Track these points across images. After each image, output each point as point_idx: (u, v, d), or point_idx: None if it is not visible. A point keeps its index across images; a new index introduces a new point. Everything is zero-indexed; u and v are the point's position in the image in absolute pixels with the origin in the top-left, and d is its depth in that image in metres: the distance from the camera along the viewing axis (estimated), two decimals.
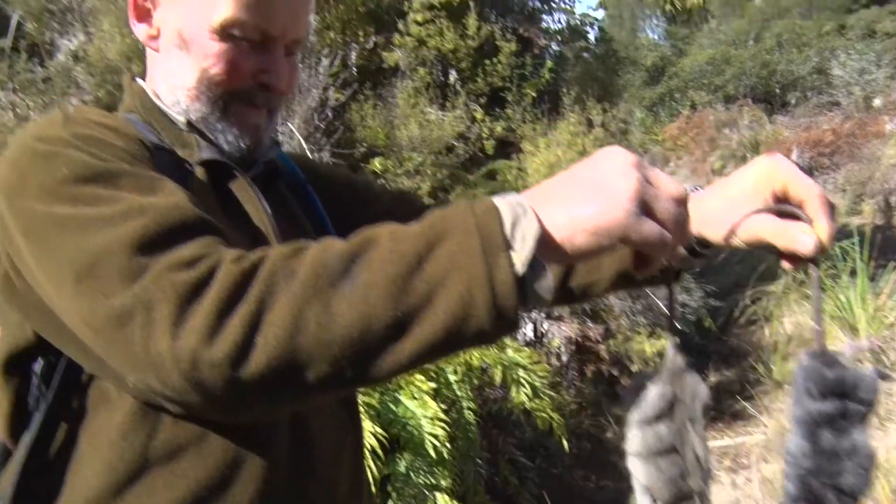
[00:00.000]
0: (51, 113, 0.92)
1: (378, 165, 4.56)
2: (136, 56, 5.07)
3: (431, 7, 5.50)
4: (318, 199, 1.15)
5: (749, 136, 13.75)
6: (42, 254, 0.76)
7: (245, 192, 0.99)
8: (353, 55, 5.54)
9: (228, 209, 0.96)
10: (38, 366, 0.88)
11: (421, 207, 1.21)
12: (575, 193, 0.68)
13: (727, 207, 0.84)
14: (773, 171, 0.81)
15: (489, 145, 5.29)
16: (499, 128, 5.42)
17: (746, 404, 5.26)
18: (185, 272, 0.68)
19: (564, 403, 4.40)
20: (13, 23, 5.67)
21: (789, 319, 5.98)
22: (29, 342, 0.87)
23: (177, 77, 0.98)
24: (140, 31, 1.01)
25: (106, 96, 5.22)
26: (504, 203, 0.67)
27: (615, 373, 5.34)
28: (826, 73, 16.27)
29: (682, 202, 0.70)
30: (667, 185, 0.70)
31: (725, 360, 6.03)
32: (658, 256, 0.71)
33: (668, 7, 26.24)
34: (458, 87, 5.54)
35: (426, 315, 0.64)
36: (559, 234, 0.66)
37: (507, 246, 0.64)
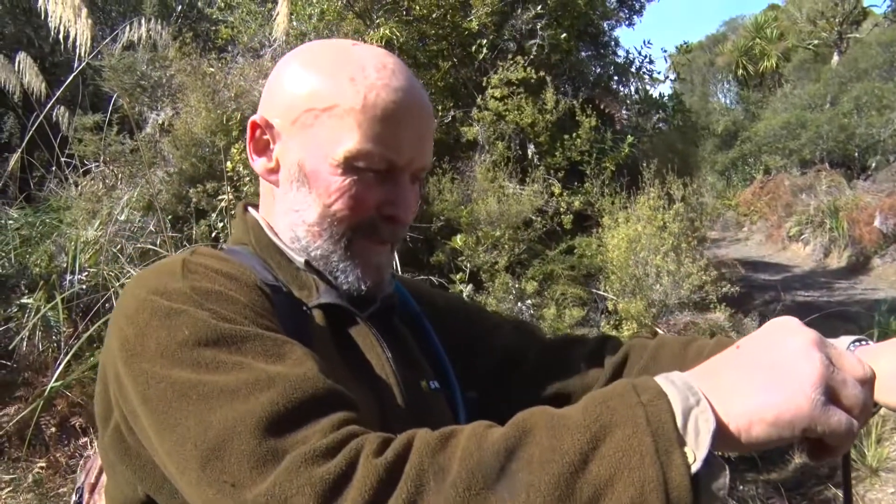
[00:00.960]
0: (167, 260, 0.88)
1: (459, 242, 4.52)
2: (221, 130, 5.22)
3: (510, 83, 5.51)
4: (432, 329, 1.10)
5: (828, 202, 13.39)
6: (162, 426, 0.71)
7: (366, 338, 0.95)
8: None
9: (348, 356, 0.92)
10: None
11: (542, 341, 1.17)
12: (752, 378, 0.63)
13: None
14: None
15: (567, 220, 5.22)
16: (577, 202, 5.35)
17: (838, 491, 4.94)
18: (323, 465, 0.62)
19: None
20: (113, 99, 5.93)
21: None
22: (139, 502, 0.83)
23: (298, 213, 0.95)
24: (258, 164, 0.98)
25: (190, 168, 5.38)
26: (672, 388, 0.62)
27: None
28: None
29: (867, 384, 0.65)
30: (852, 366, 0.65)
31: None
32: (844, 446, 0.65)
33: (740, 72, 26.07)
34: (536, 160, 5.51)
35: None
36: (735, 426, 0.61)
37: (681, 441, 0.59)
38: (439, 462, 0.62)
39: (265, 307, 0.83)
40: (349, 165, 0.90)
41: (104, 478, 0.99)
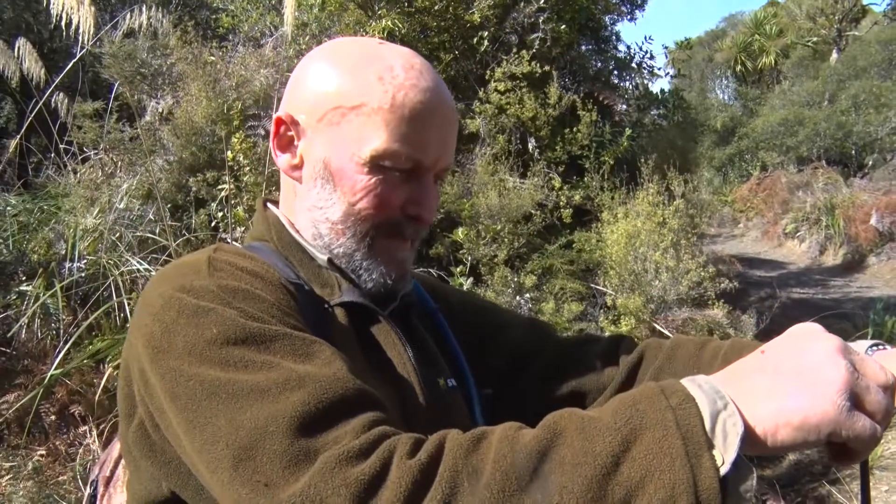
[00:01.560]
0: (191, 258, 0.88)
1: (461, 235, 4.52)
2: (222, 120, 5.20)
3: (513, 77, 5.50)
4: (447, 326, 1.11)
5: (824, 200, 13.41)
6: (192, 424, 0.71)
7: (388, 337, 0.95)
8: None
9: (370, 354, 0.92)
10: None
11: (556, 339, 1.18)
12: (779, 383, 0.64)
13: None
14: None
15: (567, 214, 5.22)
16: (577, 196, 5.35)
17: (832, 489, 4.96)
18: (357, 465, 0.63)
19: None
20: (115, 87, 5.91)
21: None
22: (164, 499, 0.83)
23: (321, 210, 0.95)
24: (282, 161, 0.98)
25: (190, 157, 5.36)
26: (699, 392, 0.64)
27: None
28: None
29: (889, 389, 0.66)
30: (874, 372, 0.66)
31: None
32: (867, 452, 0.66)
33: (738, 68, 26.07)
34: (536, 154, 5.51)
35: None
36: (761, 429, 0.62)
37: (710, 445, 0.60)
38: (472, 463, 0.63)
39: (291, 305, 0.84)
40: (375, 164, 0.90)
41: (119, 471, 1.00)
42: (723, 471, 0.60)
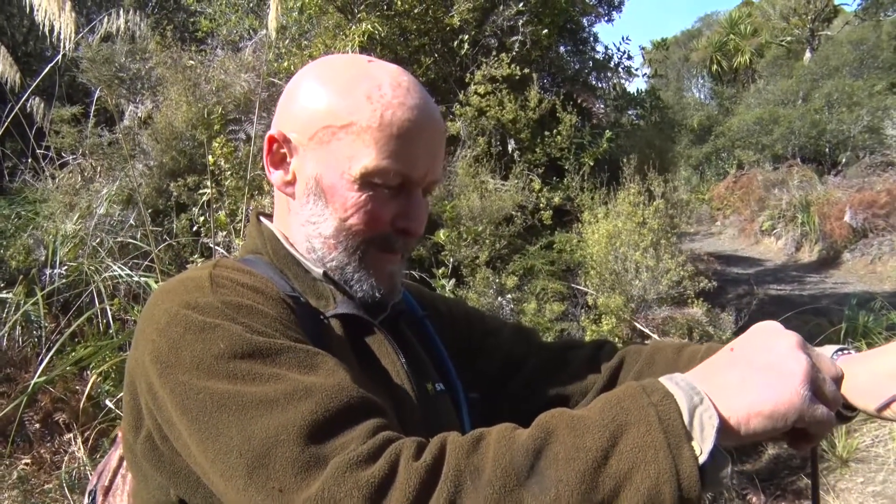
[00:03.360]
0: (192, 273, 0.91)
1: (442, 237, 4.54)
2: (202, 124, 5.18)
3: (493, 79, 5.54)
4: (434, 332, 1.14)
5: (799, 197, 13.58)
6: (204, 436, 0.74)
7: (381, 346, 0.98)
8: None
9: (366, 363, 0.95)
10: None
11: (541, 345, 1.22)
12: (748, 377, 0.70)
13: (875, 381, 0.85)
14: None
15: (547, 215, 5.26)
16: (557, 198, 5.39)
17: (809, 481, 5.03)
18: (367, 469, 0.67)
19: None
20: (96, 92, 5.86)
21: None
22: None
23: (314, 225, 0.98)
24: (276, 177, 1.01)
25: (170, 161, 5.33)
26: (677, 389, 0.69)
27: None
28: (879, 132, 16.04)
29: (839, 382, 0.75)
30: (828, 366, 0.74)
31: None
32: (823, 436, 0.74)
33: (714, 67, 26.31)
34: (516, 156, 5.55)
35: None
36: (735, 420, 0.68)
37: (689, 437, 0.66)
38: (474, 463, 0.68)
39: (291, 319, 0.87)
40: (365, 181, 0.93)
41: (118, 480, 1.02)
42: (701, 460, 0.66)
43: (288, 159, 0.99)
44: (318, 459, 0.68)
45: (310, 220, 0.98)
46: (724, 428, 0.68)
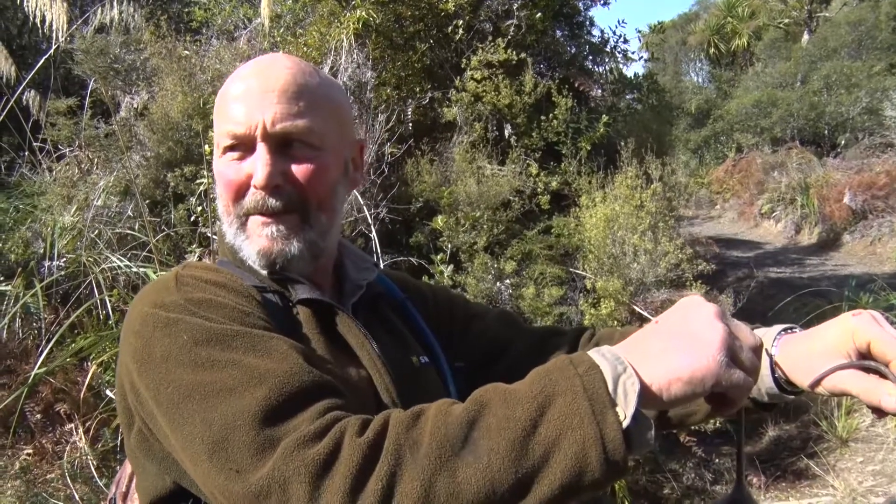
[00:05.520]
0: (163, 276, 0.98)
1: (440, 223, 4.55)
2: (198, 114, 5.17)
3: (489, 64, 5.52)
4: (418, 314, 1.19)
5: (799, 180, 13.55)
6: (174, 425, 0.81)
7: (346, 326, 1.02)
8: (409, 110, 5.59)
9: (336, 343, 1.00)
10: None
11: (524, 331, 1.26)
12: (668, 346, 0.74)
13: (810, 358, 0.90)
14: (858, 329, 0.86)
15: (544, 200, 5.26)
16: (554, 182, 5.39)
17: (810, 462, 5.06)
18: (313, 447, 0.72)
19: None
20: (91, 83, 5.85)
21: None
22: (169, 490, 0.92)
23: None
24: None
25: (167, 152, 5.33)
26: (602, 359, 0.73)
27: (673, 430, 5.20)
28: (878, 113, 15.97)
29: (758, 351, 0.77)
30: (745, 335, 0.77)
31: (784, 413, 5.81)
32: (741, 400, 0.77)
33: (711, 50, 26.22)
34: (513, 141, 5.53)
35: (545, 475, 0.69)
36: (657, 386, 0.72)
37: (613, 403, 0.70)
38: (413, 437, 0.72)
39: (253, 307, 0.92)
40: (220, 156, 1.00)
41: (134, 485, 1.07)
42: (625, 424, 0.70)
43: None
44: (271, 441, 0.74)
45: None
46: (647, 393, 0.72)
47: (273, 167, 0.96)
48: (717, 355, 0.72)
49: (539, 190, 5.31)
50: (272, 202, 0.98)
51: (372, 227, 4.32)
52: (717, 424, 4.62)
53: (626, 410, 0.70)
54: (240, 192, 0.99)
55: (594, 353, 0.75)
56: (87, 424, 3.24)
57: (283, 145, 0.98)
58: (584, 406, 0.70)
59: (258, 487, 0.72)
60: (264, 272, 1.02)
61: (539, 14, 5.93)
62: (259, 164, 0.96)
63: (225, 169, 0.99)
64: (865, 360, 0.86)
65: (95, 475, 3.04)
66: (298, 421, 0.75)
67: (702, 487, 4.81)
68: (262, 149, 0.97)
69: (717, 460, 5.09)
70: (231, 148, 0.99)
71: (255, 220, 0.99)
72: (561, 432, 0.69)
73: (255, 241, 1.00)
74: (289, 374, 0.79)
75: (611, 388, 0.71)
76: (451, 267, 4.48)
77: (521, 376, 1.17)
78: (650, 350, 0.75)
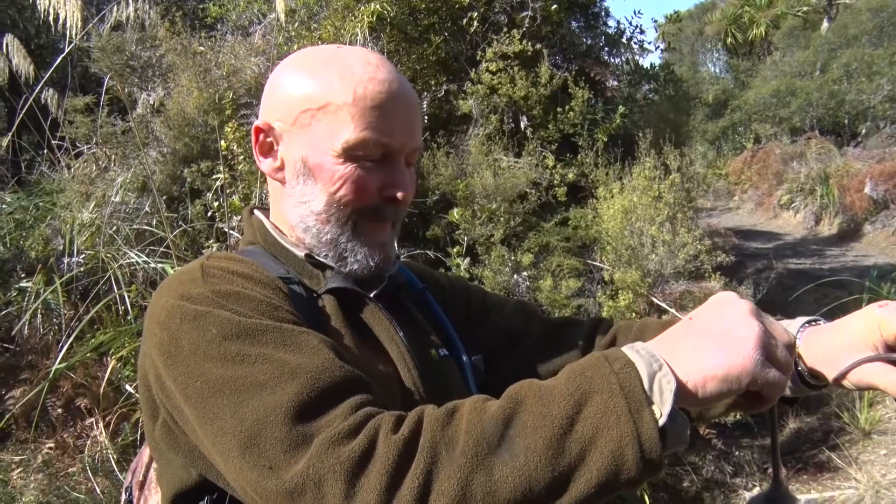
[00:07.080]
0: (187, 267, 0.97)
1: (456, 216, 4.54)
2: (214, 109, 5.19)
3: (504, 56, 5.50)
4: (437, 305, 1.19)
5: (818, 170, 13.41)
6: (204, 420, 0.80)
7: (375, 317, 1.02)
8: (425, 104, 5.57)
9: (362, 334, 1.00)
10: None
11: (541, 322, 1.25)
12: (703, 344, 0.73)
13: (836, 351, 0.89)
14: (885, 320, 0.85)
15: (561, 192, 5.23)
16: (571, 174, 5.35)
17: (832, 454, 5.02)
18: (348, 445, 0.71)
19: None
20: (105, 80, 5.89)
21: None
22: (194, 483, 0.92)
23: (306, 204, 1.03)
24: (265, 165, 1.07)
25: (183, 148, 5.36)
26: (637, 357, 0.73)
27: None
28: None
29: (791, 348, 0.77)
30: (780, 333, 0.76)
31: (805, 405, 5.75)
32: (775, 398, 0.77)
33: (728, 40, 25.97)
34: (529, 133, 5.51)
35: (581, 473, 0.69)
36: (692, 383, 0.71)
37: (649, 401, 0.70)
38: (448, 434, 0.72)
39: (281, 300, 0.92)
40: (349, 155, 0.99)
41: (151, 474, 1.09)
42: (661, 422, 0.69)
43: (275, 147, 1.05)
44: (304, 438, 0.73)
45: (301, 201, 1.03)
46: (683, 391, 0.71)
47: (413, 184, 1.04)
48: (752, 353, 0.71)
49: (556, 182, 5.28)
50: (396, 214, 1.05)
51: None
52: (738, 417, 4.58)
53: (661, 408, 0.70)
54: (366, 196, 1.01)
55: (629, 350, 0.75)
56: (107, 419, 3.27)
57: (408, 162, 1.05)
58: (620, 404, 0.69)
59: (293, 484, 0.71)
60: (301, 253, 1.04)
61: (554, 5, 5.90)
62: (407, 181, 1.02)
63: (361, 175, 1.00)
64: (894, 353, 0.84)
65: (116, 469, 3.07)
66: (331, 417, 0.75)
67: (721, 480, 4.78)
68: (402, 166, 1.03)
69: (737, 453, 5.05)
70: (366, 156, 0.99)
71: (371, 226, 1.03)
72: (598, 430, 0.69)
73: (369, 245, 1.03)
74: (320, 369, 0.79)
75: (646, 385, 0.71)
76: (467, 260, 4.47)
77: (535, 367, 1.19)
78: (685, 347, 0.74)
